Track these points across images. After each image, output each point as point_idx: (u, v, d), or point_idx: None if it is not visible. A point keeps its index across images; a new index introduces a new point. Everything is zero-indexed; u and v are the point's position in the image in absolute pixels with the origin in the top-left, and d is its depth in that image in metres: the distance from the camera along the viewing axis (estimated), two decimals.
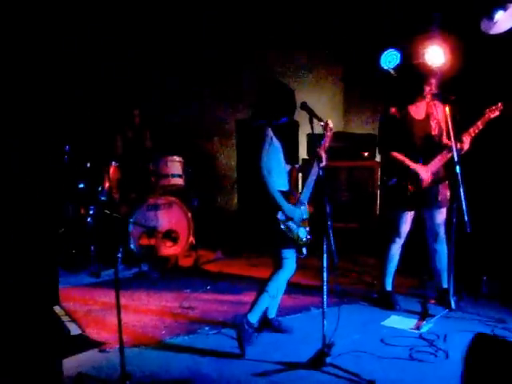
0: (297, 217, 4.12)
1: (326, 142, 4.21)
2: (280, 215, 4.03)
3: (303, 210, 4.21)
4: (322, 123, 4.11)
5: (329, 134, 4.22)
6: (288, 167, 4.32)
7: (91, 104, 7.50)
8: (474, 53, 5.78)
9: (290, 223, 4.08)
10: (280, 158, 4.18)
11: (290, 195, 4.14)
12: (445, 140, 4.92)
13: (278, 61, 8.64)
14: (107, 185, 6.61)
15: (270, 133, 4.08)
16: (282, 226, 4.03)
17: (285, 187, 4.16)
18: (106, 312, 4.94)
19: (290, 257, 4.17)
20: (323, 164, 4.09)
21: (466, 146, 4.69)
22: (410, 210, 4.97)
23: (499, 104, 4.66)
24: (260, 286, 4.22)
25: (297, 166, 4.62)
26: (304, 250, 4.19)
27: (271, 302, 4.37)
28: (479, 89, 5.65)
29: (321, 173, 3.96)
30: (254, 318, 4.11)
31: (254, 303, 4.16)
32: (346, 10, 7.94)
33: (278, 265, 4.19)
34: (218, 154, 8.96)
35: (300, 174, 6.08)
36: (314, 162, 4.11)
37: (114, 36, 7.48)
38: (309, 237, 4.19)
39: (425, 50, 6.08)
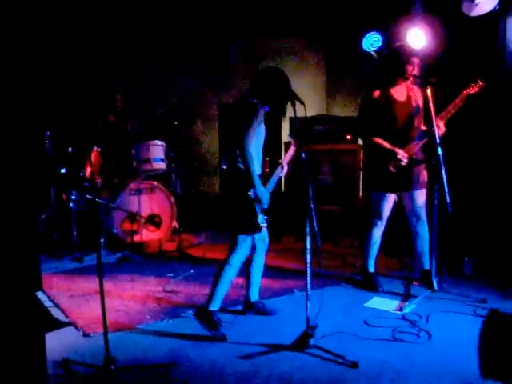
0: (264, 200, 4.13)
1: (289, 156, 4.48)
2: (251, 192, 4.05)
3: (267, 199, 4.23)
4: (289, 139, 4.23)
5: (291, 153, 4.48)
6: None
7: (73, 88, 7.43)
8: (456, 35, 5.79)
9: (256, 205, 4.09)
10: (261, 142, 4.18)
11: (262, 179, 4.15)
12: (422, 125, 4.94)
13: (263, 45, 8.61)
14: (89, 170, 6.55)
15: (262, 112, 4.07)
16: (250, 205, 4.05)
17: (258, 171, 4.15)
18: (89, 297, 4.92)
19: (244, 241, 4.16)
20: (283, 173, 4.45)
21: (442, 129, 4.69)
22: (392, 192, 4.99)
23: (478, 81, 4.67)
24: (215, 273, 4.19)
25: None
26: (257, 236, 4.21)
27: (251, 287, 4.45)
28: (460, 70, 5.66)
29: (303, 156, 3.94)
30: (215, 306, 4.12)
31: (211, 293, 4.14)
32: None
33: (232, 248, 4.17)
34: (200, 137, 8.94)
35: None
36: (278, 167, 4.42)
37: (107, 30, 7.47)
38: (266, 224, 4.22)
39: (407, 32, 6.07)
